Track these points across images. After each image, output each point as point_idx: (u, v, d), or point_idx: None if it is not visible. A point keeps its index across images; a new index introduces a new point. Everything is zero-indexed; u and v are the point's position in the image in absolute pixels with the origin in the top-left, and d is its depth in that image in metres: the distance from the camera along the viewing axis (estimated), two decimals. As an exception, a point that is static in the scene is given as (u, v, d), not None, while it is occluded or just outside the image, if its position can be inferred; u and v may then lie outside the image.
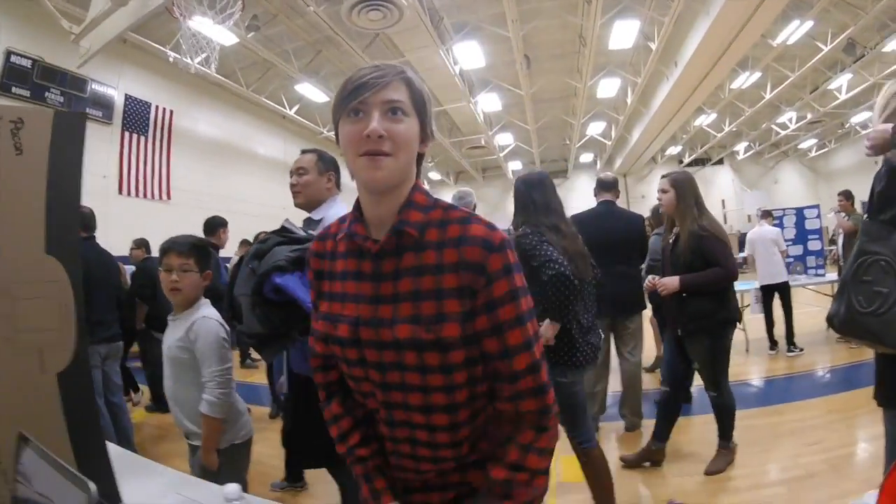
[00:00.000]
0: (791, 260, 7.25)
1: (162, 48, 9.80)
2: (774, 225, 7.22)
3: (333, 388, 1.24)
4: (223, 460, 2.27)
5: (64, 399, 1.12)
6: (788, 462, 3.56)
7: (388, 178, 1.00)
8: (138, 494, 1.30)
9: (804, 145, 23.91)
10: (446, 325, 0.99)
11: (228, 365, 2.26)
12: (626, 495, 3.41)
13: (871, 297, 1.70)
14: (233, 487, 0.99)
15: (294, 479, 3.75)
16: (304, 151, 2.58)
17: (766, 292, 6.72)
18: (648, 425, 4.41)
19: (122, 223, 8.96)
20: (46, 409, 1.11)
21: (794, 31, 11.10)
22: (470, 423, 1.09)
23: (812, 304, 8.21)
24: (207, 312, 2.32)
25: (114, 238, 6.49)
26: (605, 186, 4.51)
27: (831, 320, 1.84)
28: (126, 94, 10.76)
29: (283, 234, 2.21)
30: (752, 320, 7.09)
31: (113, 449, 1.32)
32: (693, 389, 4.98)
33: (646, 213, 5.06)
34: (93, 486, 0.69)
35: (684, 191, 3.57)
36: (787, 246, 7.15)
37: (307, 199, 2.47)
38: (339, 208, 2.41)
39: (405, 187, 1.07)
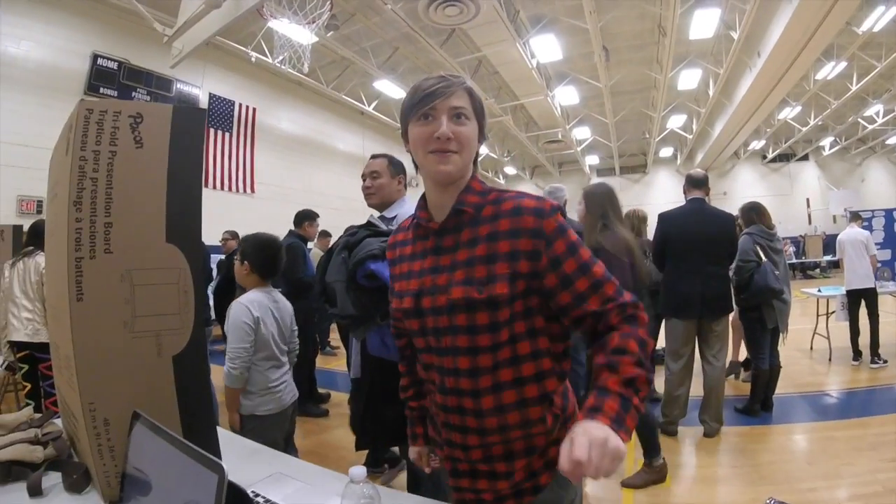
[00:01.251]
0: (879, 265, 6.81)
1: (244, 49, 10.16)
2: (863, 227, 6.83)
3: (405, 353, 1.50)
4: (245, 425, 2.63)
5: (178, 381, 1.18)
6: (867, 477, 3.43)
7: (455, 171, 1.19)
8: (246, 476, 1.35)
9: (892, 141, 22.29)
10: (497, 284, 1.13)
11: (244, 345, 2.58)
12: (702, 500, 3.39)
13: None
14: (359, 470, 1.02)
15: (374, 464, 3.84)
16: (374, 156, 2.77)
17: (853, 299, 6.37)
18: (727, 432, 4.34)
19: (210, 214, 9.15)
20: (160, 390, 1.18)
21: (880, 17, 10.34)
22: (513, 387, 1.17)
23: None
24: (244, 298, 2.71)
25: (202, 228, 6.78)
26: (696, 183, 4.39)
27: None
28: (210, 93, 11.23)
29: (370, 228, 2.43)
30: (836, 328, 6.77)
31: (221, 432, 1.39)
32: (775, 398, 4.84)
33: (733, 212, 4.89)
34: (225, 467, 0.72)
35: (592, 204, 3.62)
36: (877, 250, 6.72)
37: (381, 199, 2.69)
38: (409, 206, 2.60)
39: (465, 179, 1.25)
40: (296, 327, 3.01)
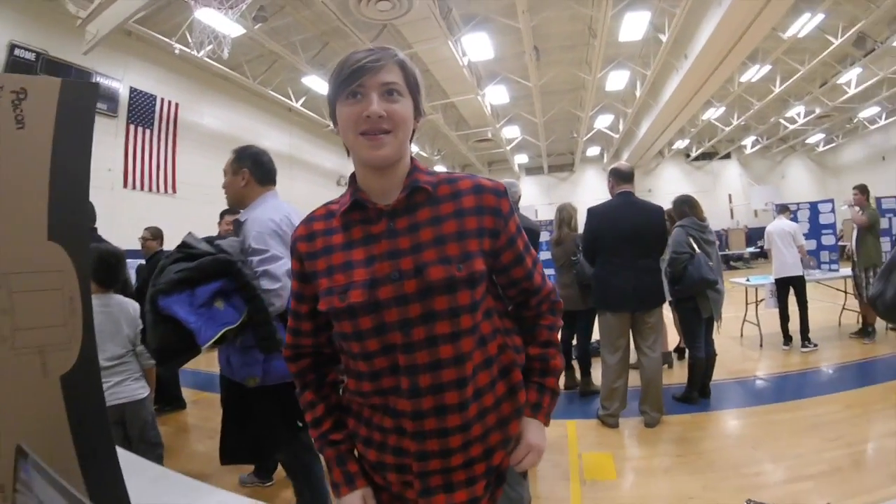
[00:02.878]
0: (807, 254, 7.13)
1: (167, 40, 9.69)
2: (790, 219, 7.13)
3: (308, 377, 1.29)
4: None
5: (68, 405, 0.98)
6: (812, 457, 3.53)
7: (390, 154, 1.09)
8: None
9: (812, 140, 23.66)
10: (474, 260, 1.11)
11: None
12: (652, 491, 3.40)
13: None
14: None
15: (262, 475, 3.82)
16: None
17: (782, 286, 6.68)
18: (668, 421, 4.42)
19: (129, 216, 8.88)
20: (49, 416, 0.98)
21: (806, 23, 10.87)
22: (485, 369, 1.15)
23: (824, 300, 8.17)
24: None
25: (120, 231, 6.39)
26: (625, 177, 4.43)
27: (874, 301, 1.73)
28: (131, 87, 10.59)
29: (182, 250, 2.24)
30: (765, 315, 7.12)
31: (124, 456, 1.20)
32: (711, 385, 4.95)
33: (665, 206, 4.97)
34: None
35: None
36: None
37: (231, 199, 2.64)
38: (264, 209, 2.45)
39: (404, 161, 1.16)
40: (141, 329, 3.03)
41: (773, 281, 6.75)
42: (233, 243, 2.32)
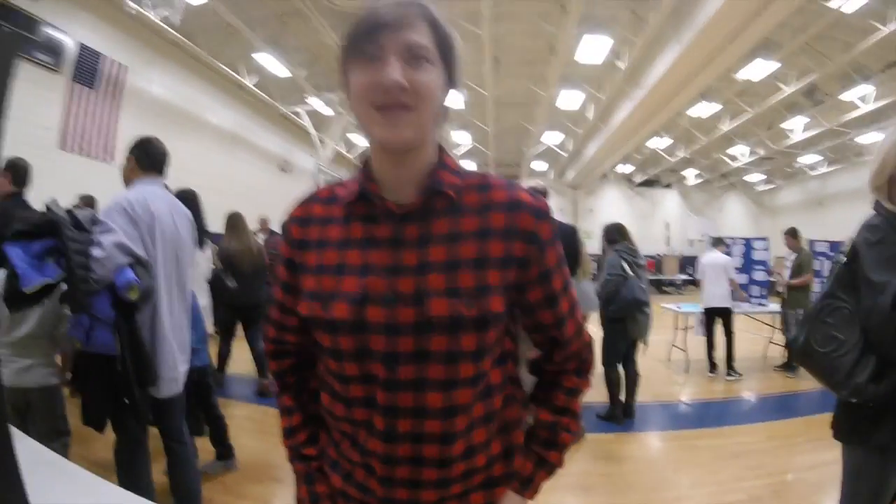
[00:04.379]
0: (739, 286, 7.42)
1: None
2: (725, 252, 7.38)
3: (288, 379, 1.11)
4: None
5: None
6: (732, 485, 3.61)
7: (409, 136, 0.85)
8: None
9: (752, 179, 24.76)
10: (491, 298, 0.88)
11: None
12: None
13: (827, 339, 1.73)
14: None
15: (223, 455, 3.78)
16: None
17: (710, 316, 6.94)
18: (593, 439, 4.49)
19: (61, 180, 8.39)
20: None
21: (760, 69, 11.40)
22: (484, 424, 0.95)
23: (751, 332, 8.50)
24: None
25: (50, 195, 6.04)
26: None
27: (791, 345, 1.84)
28: (80, 43, 10.00)
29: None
30: (692, 341, 7.36)
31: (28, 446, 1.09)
32: (636, 406, 5.04)
33: (592, 227, 5.12)
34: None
35: None
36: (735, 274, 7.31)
37: (124, 181, 2.72)
38: (131, 191, 2.56)
39: (429, 144, 0.93)
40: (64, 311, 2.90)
41: (703, 310, 6.99)
42: (87, 215, 2.45)
